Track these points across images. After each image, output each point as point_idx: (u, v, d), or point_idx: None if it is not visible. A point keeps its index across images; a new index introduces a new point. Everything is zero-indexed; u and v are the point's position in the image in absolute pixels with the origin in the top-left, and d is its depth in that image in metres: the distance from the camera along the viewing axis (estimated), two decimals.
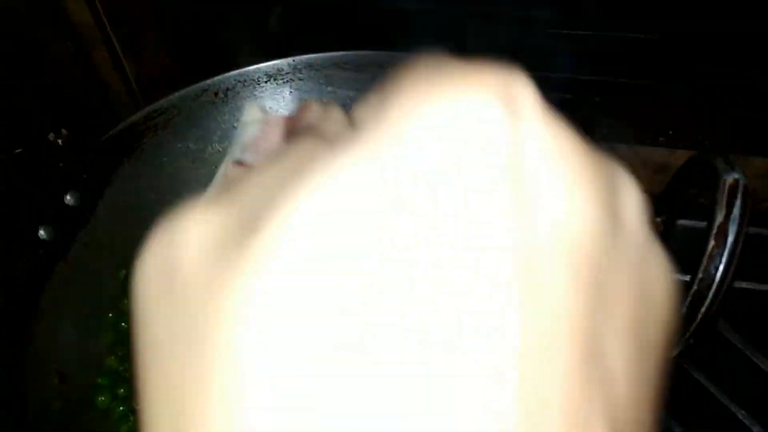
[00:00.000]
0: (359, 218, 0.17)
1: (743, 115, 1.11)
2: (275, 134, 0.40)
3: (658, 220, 0.69)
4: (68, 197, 0.85)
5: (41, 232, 0.82)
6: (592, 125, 1.11)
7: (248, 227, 0.19)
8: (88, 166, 0.87)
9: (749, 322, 0.88)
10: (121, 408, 0.76)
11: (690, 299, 0.55)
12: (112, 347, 0.82)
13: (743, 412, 0.76)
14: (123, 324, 0.83)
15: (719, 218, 0.54)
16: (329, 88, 0.99)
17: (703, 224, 0.56)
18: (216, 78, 0.96)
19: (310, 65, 0.98)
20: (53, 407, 0.73)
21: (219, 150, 0.98)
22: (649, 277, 0.21)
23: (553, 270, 0.18)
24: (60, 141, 0.84)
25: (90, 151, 0.88)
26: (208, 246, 0.21)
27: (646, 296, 0.21)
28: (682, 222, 0.74)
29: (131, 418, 0.75)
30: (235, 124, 0.99)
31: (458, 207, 0.17)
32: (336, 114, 0.29)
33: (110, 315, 0.85)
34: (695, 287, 0.54)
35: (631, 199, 0.22)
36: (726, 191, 0.55)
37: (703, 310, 0.54)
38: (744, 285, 0.89)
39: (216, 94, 0.97)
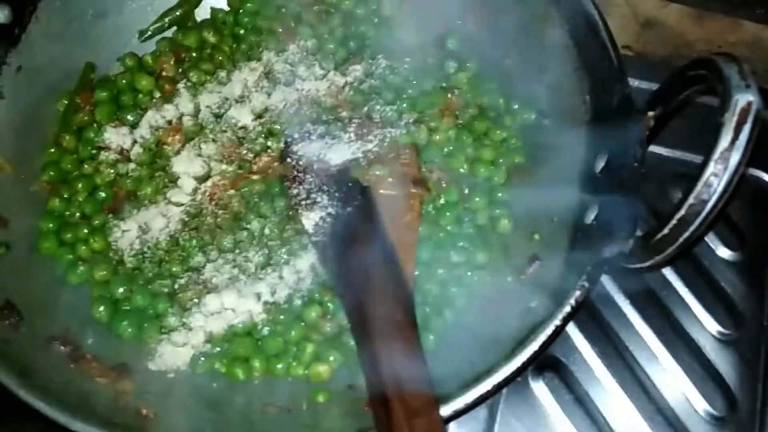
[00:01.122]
0: None
1: None
2: None
3: (650, 114, 0.65)
4: None
5: None
6: None
7: None
8: None
9: None
10: (68, 256, 0.73)
11: (675, 223, 0.53)
12: (55, 188, 0.76)
13: None
14: (66, 163, 0.77)
15: (723, 143, 0.51)
16: None
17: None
18: None
19: None
20: None
21: None
22: None
23: None
24: None
25: None
26: None
27: None
28: None
29: (80, 268, 0.72)
30: None
31: None
32: None
33: (51, 151, 0.78)
34: (683, 212, 0.52)
35: None
36: (737, 113, 0.51)
37: (686, 235, 0.53)
38: None
39: None
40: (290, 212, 0.76)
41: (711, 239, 0.89)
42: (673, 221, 0.53)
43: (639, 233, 0.59)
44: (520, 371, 0.56)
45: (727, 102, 0.51)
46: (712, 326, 0.84)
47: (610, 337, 0.83)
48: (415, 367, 0.56)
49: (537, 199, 0.73)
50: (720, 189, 0.51)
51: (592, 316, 0.84)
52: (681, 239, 0.53)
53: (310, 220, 0.73)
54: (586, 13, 0.72)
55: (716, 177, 0.51)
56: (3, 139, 0.74)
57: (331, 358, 0.68)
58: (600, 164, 0.67)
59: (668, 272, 0.87)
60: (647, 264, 0.57)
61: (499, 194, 0.76)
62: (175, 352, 0.69)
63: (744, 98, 0.51)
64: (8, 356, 0.59)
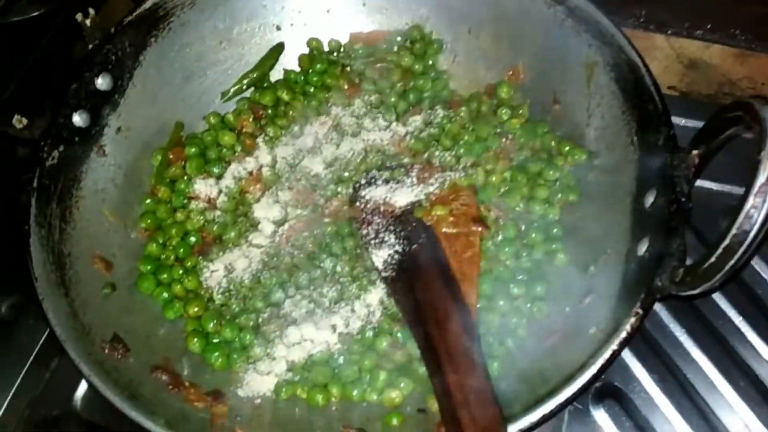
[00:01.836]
0: None
1: None
2: None
3: (695, 153, 0.70)
4: (99, 81, 0.84)
5: (75, 119, 0.82)
6: (627, 10, 1.06)
7: None
8: (116, 48, 0.85)
9: None
10: (165, 294, 0.81)
11: (721, 252, 0.58)
12: (151, 234, 0.85)
13: None
14: (161, 212, 0.86)
15: (762, 178, 0.55)
16: None
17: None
18: None
19: None
20: (102, 294, 0.77)
21: (247, 30, 0.95)
22: None
23: None
24: (88, 21, 0.81)
25: (118, 31, 0.85)
26: None
27: None
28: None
29: (176, 305, 0.80)
30: (264, 3, 0.95)
31: None
32: None
33: (148, 201, 0.87)
34: (728, 241, 0.57)
35: None
36: None
37: (731, 263, 0.57)
38: None
39: None
40: (359, 251, 0.83)
41: (763, 268, 0.91)
42: (719, 250, 0.57)
43: (688, 262, 0.63)
44: (579, 393, 0.61)
45: (764, 141, 0.56)
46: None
47: (669, 366, 0.86)
48: (483, 389, 0.61)
49: (590, 233, 0.78)
50: (760, 220, 0.56)
51: (651, 346, 0.87)
52: (727, 267, 0.58)
53: (379, 257, 0.79)
54: (629, 60, 0.78)
55: (756, 209, 0.55)
56: (106, 191, 0.84)
57: (402, 385, 0.74)
58: (649, 200, 0.72)
59: (723, 302, 0.90)
60: (697, 291, 0.61)
61: (555, 230, 0.82)
62: (260, 380, 0.76)
63: None
64: (120, 383, 0.67)
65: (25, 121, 0.83)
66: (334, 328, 0.78)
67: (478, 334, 0.69)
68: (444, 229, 0.79)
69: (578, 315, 0.73)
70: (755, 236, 0.56)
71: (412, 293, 0.74)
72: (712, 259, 0.58)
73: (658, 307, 0.90)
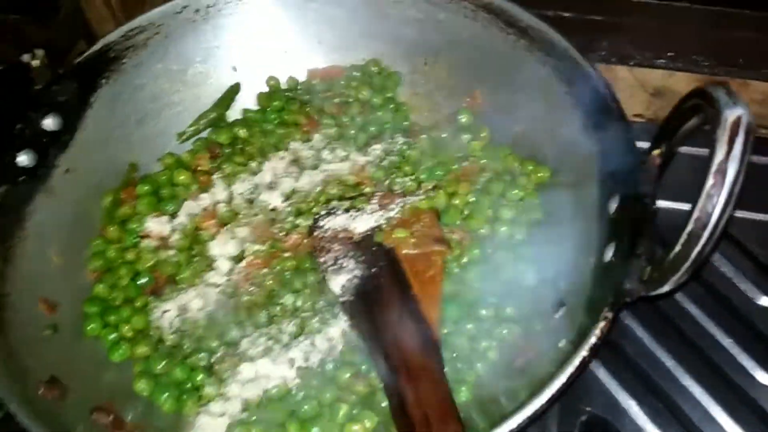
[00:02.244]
0: None
1: (743, 38, 1.08)
2: None
3: (655, 153, 0.67)
4: (47, 121, 0.82)
5: (20, 158, 0.79)
6: (589, 46, 1.07)
7: None
8: (65, 89, 0.84)
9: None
10: (112, 336, 0.76)
11: (685, 238, 0.54)
12: (100, 275, 0.81)
13: None
14: (110, 252, 0.82)
15: (719, 156, 0.53)
16: (314, 5, 0.94)
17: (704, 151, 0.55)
18: None
19: None
20: (42, 336, 0.72)
21: (202, 71, 0.94)
22: None
23: None
24: (35, 63, 0.80)
25: (67, 72, 0.84)
26: None
27: None
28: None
29: (122, 346, 0.75)
30: (217, 44, 0.95)
31: None
32: None
33: (97, 242, 0.83)
34: (691, 226, 0.54)
35: None
36: (728, 128, 0.53)
37: (697, 249, 0.54)
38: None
39: (197, 11, 0.92)
40: (321, 284, 0.79)
41: (749, 288, 0.88)
42: (683, 237, 0.54)
43: (654, 259, 0.60)
44: (548, 405, 0.56)
45: (718, 120, 0.54)
46: (763, 377, 0.81)
47: (658, 394, 0.81)
48: (444, 405, 0.56)
49: (558, 248, 0.75)
50: (722, 200, 0.52)
51: (638, 375, 0.82)
52: (693, 254, 0.54)
53: (337, 283, 0.75)
54: (583, 72, 0.77)
55: (716, 188, 0.52)
56: (53, 233, 0.80)
57: (366, 420, 0.68)
58: (613, 206, 0.69)
59: (711, 326, 0.85)
60: (666, 287, 0.57)
61: (522, 250, 0.78)
62: (213, 423, 0.70)
63: (733, 113, 0.53)
64: (55, 425, 0.61)
65: None
66: (292, 362, 0.73)
67: (440, 350, 0.64)
68: (404, 251, 0.75)
69: (549, 331, 0.69)
70: (719, 217, 0.53)
71: (371, 315, 0.69)
72: (678, 248, 0.55)
73: (642, 332, 0.85)
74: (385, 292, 0.71)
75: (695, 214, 0.53)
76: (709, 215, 0.53)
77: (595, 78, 0.75)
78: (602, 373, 0.84)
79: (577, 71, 0.78)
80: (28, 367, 0.67)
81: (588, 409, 0.81)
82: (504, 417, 0.55)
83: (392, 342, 0.65)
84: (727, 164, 0.52)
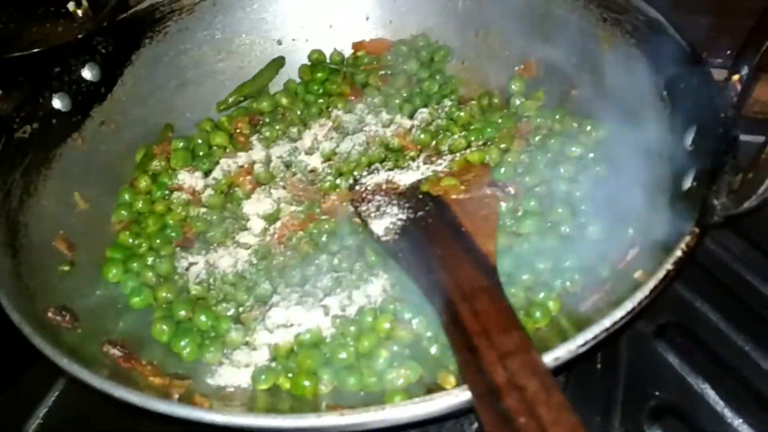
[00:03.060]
0: None
1: None
2: None
3: (735, 78, 0.61)
4: (86, 70, 0.80)
5: (55, 101, 0.76)
6: None
7: None
8: (107, 42, 0.82)
9: None
10: (131, 283, 0.70)
11: (764, 156, 0.47)
12: (127, 225, 0.76)
13: None
14: (138, 203, 0.77)
15: None
16: None
17: None
18: None
19: None
20: (59, 270, 0.67)
21: (247, 42, 0.92)
22: None
23: None
24: (80, 11, 0.79)
25: (111, 26, 0.82)
26: None
27: None
28: None
29: (144, 292, 0.68)
30: (264, 16, 0.93)
31: None
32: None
33: (126, 196, 0.79)
34: None
35: None
36: None
37: None
38: None
39: None
40: (359, 247, 0.72)
41: None
42: (763, 155, 0.47)
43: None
44: (633, 314, 0.47)
45: None
46: None
47: (735, 377, 0.71)
48: (504, 315, 0.48)
49: (626, 198, 0.67)
50: None
51: (712, 358, 0.73)
52: None
53: (380, 226, 0.69)
54: (648, 19, 0.72)
55: None
56: (81, 179, 0.76)
57: (408, 369, 0.60)
58: (689, 138, 0.62)
59: None
60: (753, 200, 0.50)
61: (583, 207, 0.71)
62: (236, 373, 0.62)
63: None
64: (60, 345, 0.54)
65: None
66: (327, 310, 0.66)
67: (498, 275, 0.56)
68: (454, 196, 0.69)
69: (620, 272, 0.61)
70: None
71: (418, 249, 0.62)
72: (763, 155, 0.48)
73: (714, 315, 0.76)
74: (433, 229, 0.64)
75: None
76: None
77: (661, 23, 0.71)
78: (672, 357, 0.74)
79: (640, 19, 0.73)
80: (37, 290, 0.61)
81: (657, 393, 0.71)
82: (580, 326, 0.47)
83: (443, 269, 0.57)
84: None
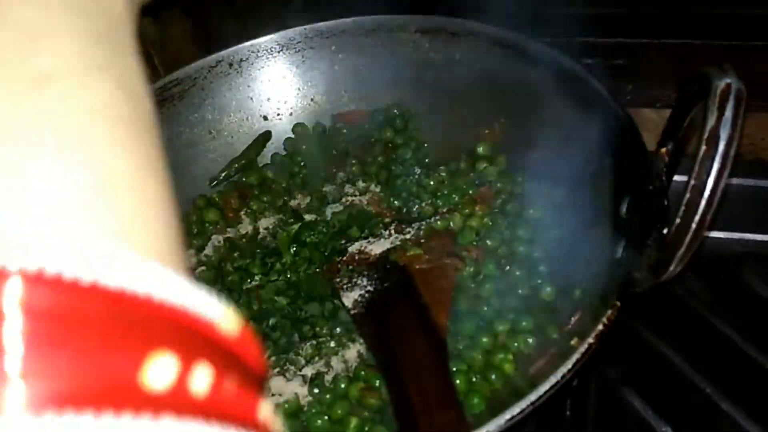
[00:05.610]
0: None
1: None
2: None
3: (663, 150, 0.67)
4: None
5: None
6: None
7: None
8: None
9: None
10: None
11: (684, 208, 0.53)
12: None
13: None
14: None
15: (711, 122, 0.52)
16: (340, 56, 1.00)
17: None
18: (230, 49, 0.99)
19: (320, 33, 0.99)
20: None
21: (234, 120, 1.00)
22: None
23: None
24: None
25: None
26: None
27: None
28: None
29: None
30: (250, 95, 1.01)
31: None
32: None
33: None
34: (688, 195, 0.52)
35: None
36: (717, 96, 0.53)
37: (697, 217, 0.52)
38: None
39: (230, 65, 0.99)
40: (338, 311, 0.79)
41: None
42: (682, 208, 0.53)
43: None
44: (551, 391, 0.53)
45: (709, 91, 0.54)
46: None
47: (696, 420, 0.76)
48: (444, 392, 0.54)
49: (575, 259, 0.73)
50: (717, 166, 0.51)
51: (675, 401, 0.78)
52: (694, 224, 0.52)
53: (349, 298, 0.75)
54: (590, 90, 0.78)
55: (709, 155, 0.51)
56: None
57: None
58: (624, 207, 0.68)
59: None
60: (672, 267, 0.55)
61: (540, 267, 0.76)
62: None
63: (722, 82, 0.53)
64: None
65: None
66: (305, 379, 0.72)
67: (446, 348, 0.63)
68: (417, 266, 0.75)
69: (564, 337, 0.66)
70: (715, 183, 0.51)
71: (379, 321, 0.68)
72: (678, 220, 0.53)
73: (679, 360, 0.81)
74: (395, 301, 0.70)
75: (692, 182, 0.52)
76: (705, 182, 0.51)
77: (601, 94, 0.76)
78: (638, 403, 0.80)
79: (582, 90, 0.79)
80: None
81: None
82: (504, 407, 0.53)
83: (397, 342, 0.63)
84: (719, 130, 0.52)
